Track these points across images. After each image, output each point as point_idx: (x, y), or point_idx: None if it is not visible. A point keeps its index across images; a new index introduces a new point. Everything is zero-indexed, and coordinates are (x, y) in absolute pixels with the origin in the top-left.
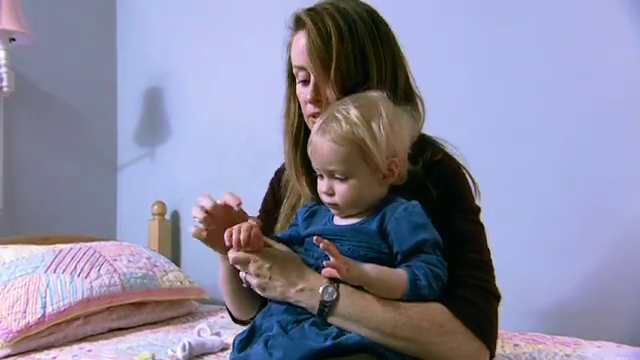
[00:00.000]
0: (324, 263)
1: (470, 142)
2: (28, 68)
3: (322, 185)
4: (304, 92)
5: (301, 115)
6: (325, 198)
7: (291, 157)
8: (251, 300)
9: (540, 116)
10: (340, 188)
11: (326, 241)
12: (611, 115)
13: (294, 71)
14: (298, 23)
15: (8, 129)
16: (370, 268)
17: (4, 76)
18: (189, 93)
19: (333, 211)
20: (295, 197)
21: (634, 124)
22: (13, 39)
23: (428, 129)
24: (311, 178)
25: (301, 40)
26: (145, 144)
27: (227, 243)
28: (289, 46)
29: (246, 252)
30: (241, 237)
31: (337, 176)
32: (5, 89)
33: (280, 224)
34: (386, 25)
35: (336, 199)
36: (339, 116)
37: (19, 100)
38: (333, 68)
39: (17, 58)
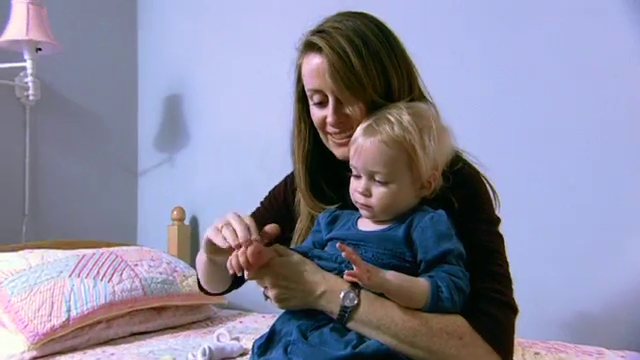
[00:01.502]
0: (346, 272)
1: (493, 149)
2: (53, 77)
3: (358, 185)
4: (321, 114)
5: (312, 137)
6: (359, 198)
7: (302, 176)
8: (224, 281)
9: (564, 121)
10: (378, 191)
11: (349, 249)
12: (631, 123)
13: (308, 94)
14: (310, 47)
15: (34, 136)
16: (392, 276)
17: (30, 85)
18: (208, 100)
19: (363, 213)
20: (307, 220)
21: None
22: (39, 49)
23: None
24: (323, 196)
25: (314, 62)
26: (165, 150)
27: (230, 272)
28: (298, 68)
29: (257, 270)
30: (241, 261)
31: (377, 178)
32: (31, 97)
33: (294, 245)
34: (395, 36)
35: (372, 201)
36: (392, 119)
37: (44, 108)
38: (365, 85)
39: (43, 67)
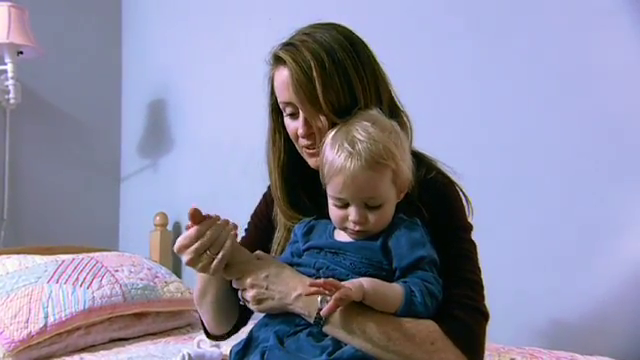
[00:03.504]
0: (334, 297)
1: (472, 153)
2: (34, 81)
3: (350, 214)
4: (293, 126)
5: (287, 148)
6: (354, 226)
7: (279, 186)
8: (231, 311)
9: (544, 126)
10: (374, 215)
11: (319, 281)
12: (611, 127)
13: (281, 106)
14: (278, 60)
15: (14, 140)
16: (367, 282)
17: (11, 88)
18: (192, 106)
19: (355, 236)
20: (284, 230)
21: (633, 137)
22: (20, 52)
23: (423, 144)
24: (300, 206)
25: (283, 75)
26: (148, 156)
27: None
28: (270, 80)
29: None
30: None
31: (371, 204)
32: (12, 101)
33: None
34: (364, 46)
35: (369, 226)
36: (361, 137)
37: (25, 112)
38: (322, 101)
39: (24, 71)
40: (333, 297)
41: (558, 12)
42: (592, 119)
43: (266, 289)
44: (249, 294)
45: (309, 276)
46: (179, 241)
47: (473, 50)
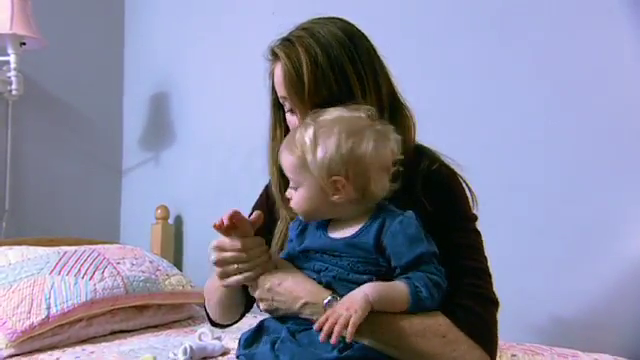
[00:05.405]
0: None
1: (472, 153)
2: (37, 72)
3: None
4: (293, 120)
5: None
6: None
7: (277, 182)
8: (240, 305)
9: (543, 126)
10: (293, 195)
11: (325, 322)
12: (610, 126)
13: (280, 100)
14: (275, 55)
15: (16, 132)
16: (370, 291)
17: (13, 79)
18: (194, 99)
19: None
20: (285, 222)
21: (632, 137)
22: (23, 43)
23: (428, 139)
24: None
25: (279, 70)
26: (150, 149)
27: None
28: (271, 75)
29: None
30: (224, 220)
31: (292, 183)
32: (14, 92)
33: (274, 249)
34: (364, 39)
35: (292, 204)
36: (298, 129)
37: (27, 103)
38: (311, 97)
39: (26, 62)
40: (345, 332)
41: (559, 11)
42: (592, 118)
43: (272, 300)
44: (260, 305)
45: (309, 278)
46: (223, 241)
47: (476, 49)
